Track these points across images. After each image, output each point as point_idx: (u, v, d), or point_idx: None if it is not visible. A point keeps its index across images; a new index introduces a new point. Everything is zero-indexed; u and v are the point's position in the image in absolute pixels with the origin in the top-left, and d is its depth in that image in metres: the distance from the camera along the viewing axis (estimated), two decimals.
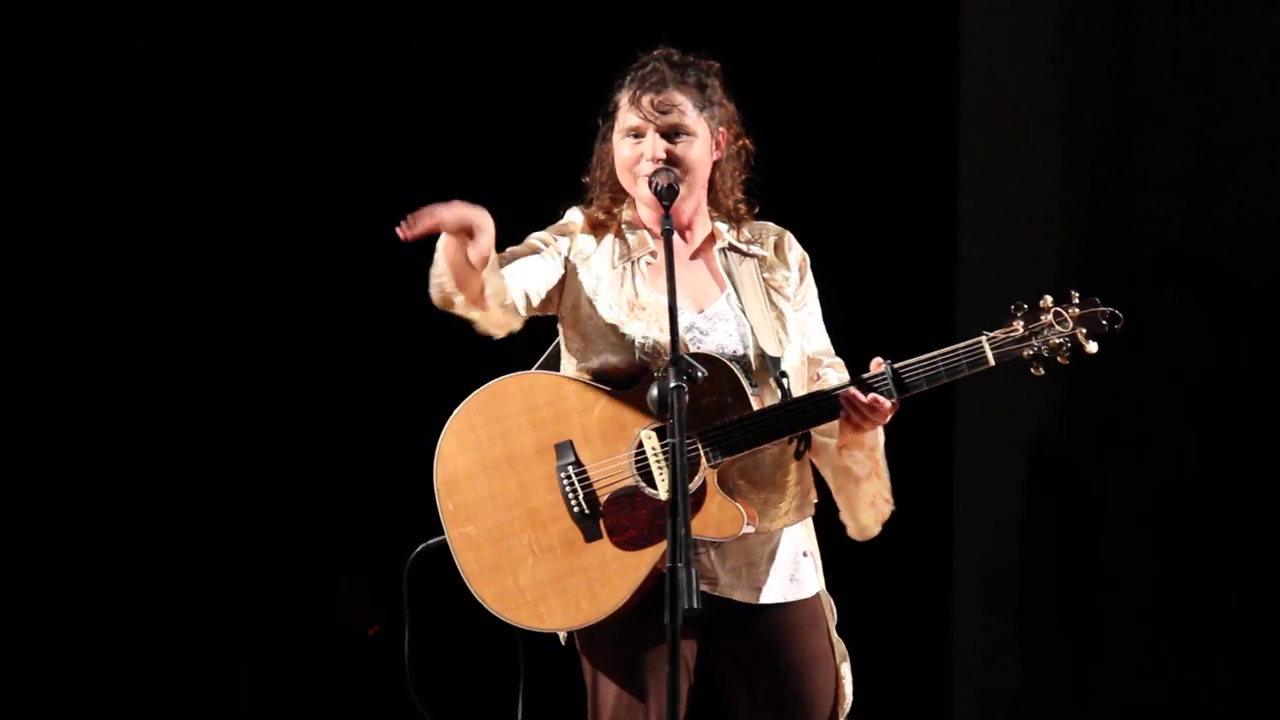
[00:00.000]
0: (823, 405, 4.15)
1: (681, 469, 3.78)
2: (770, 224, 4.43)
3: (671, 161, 4.24)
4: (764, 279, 4.36)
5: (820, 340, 4.40)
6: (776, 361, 4.25)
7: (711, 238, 4.37)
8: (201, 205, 6.73)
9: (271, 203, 6.76)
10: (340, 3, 6.76)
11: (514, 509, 4.22)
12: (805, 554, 4.33)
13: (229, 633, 6.79)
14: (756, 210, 4.42)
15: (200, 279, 6.74)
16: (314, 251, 6.75)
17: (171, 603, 6.73)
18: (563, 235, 4.32)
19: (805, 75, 6.63)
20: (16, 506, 6.68)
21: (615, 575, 4.15)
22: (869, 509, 4.34)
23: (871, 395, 4.13)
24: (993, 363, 4.12)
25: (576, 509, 4.20)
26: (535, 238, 4.31)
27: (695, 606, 3.71)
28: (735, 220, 4.38)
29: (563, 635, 4.37)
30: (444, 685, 5.82)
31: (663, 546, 4.12)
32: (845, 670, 4.36)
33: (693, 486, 4.13)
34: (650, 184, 4.22)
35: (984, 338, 4.13)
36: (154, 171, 6.70)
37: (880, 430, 4.28)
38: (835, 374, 4.35)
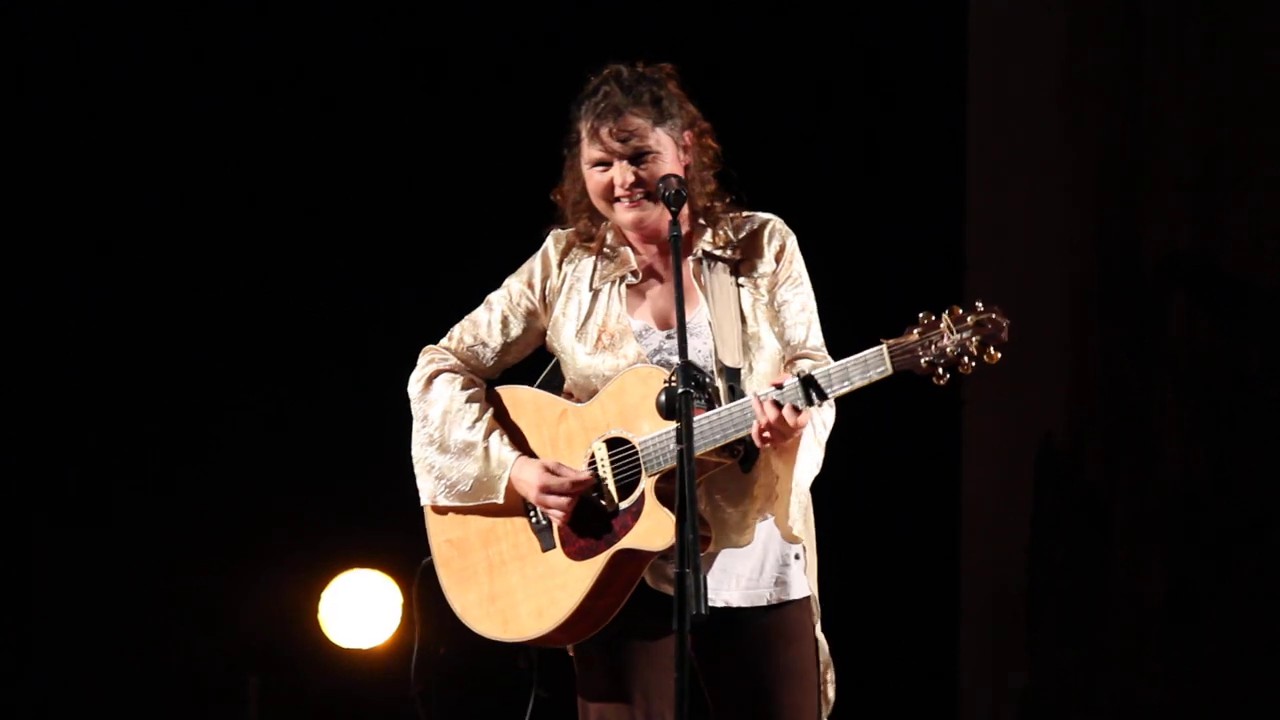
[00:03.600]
0: (738, 414, 4.10)
1: (690, 475, 3.77)
2: (757, 214, 4.40)
3: (639, 184, 4.23)
4: (738, 285, 4.34)
5: (798, 330, 4.34)
6: (735, 373, 4.23)
7: (688, 247, 4.34)
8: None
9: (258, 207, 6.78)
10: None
11: (480, 522, 4.32)
12: (797, 556, 4.31)
13: (236, 643, 6.81)
14: (729, 200, 4.39)
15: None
16: (298, 253, 6.76)
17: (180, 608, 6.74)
18: (531, 284, 4.38)
19: (815, 82, 6.64)
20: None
21: (568, 584, 4.19)
22: (780, 520, 4.29)
23: (786, 407, 4.05)
24: (891, 370, 4.02)
25: (535, 520, 4.28)
26: (504, 304, 4.38)
27: (702, 613, 3.69)
28: (711, 222, 4.36)
29: (570, 646, 4.38)
30: (451, 696, 5.82)
31: (607, 556, 4.16)
32: (830, 676, 4.33)
33: (634, 497, 4.17)
34: (660, 194, 4.21)
35: (884, 345, 4.04)
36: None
37: (804, 454, 4.21)
38: (808, 365, 4.29)
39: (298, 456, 6.72)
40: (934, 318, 4.04)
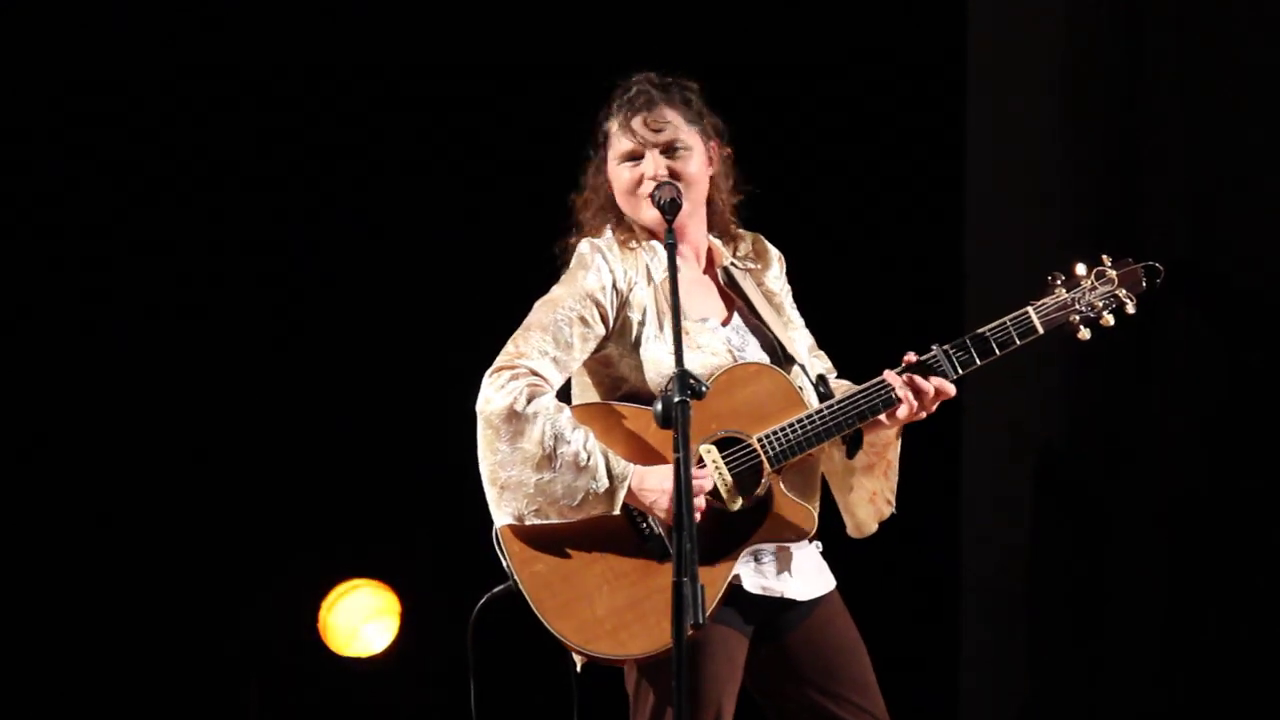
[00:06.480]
0: (878, 397, 4.19)
1: (686, 485, 3.76)
2: (742, 231, 4.45)
3: (674, 176, 4.25)
4: (764, 293, 4.39)
5: (807, 333, 4.45)
6: (802, 367, 4.30)
7: (713, 256, 4.39)
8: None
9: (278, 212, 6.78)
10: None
11: (582, 540, 4.16)
12: (818, 546, 4.36)
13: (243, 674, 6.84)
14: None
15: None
16: (303, 261, 6.76)
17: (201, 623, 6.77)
18: (604, 286, 4.23)
19: (812, 89, 6.64)
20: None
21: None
22: (867, 504, 4.38)
23: (935, 379, 4.18)
24: (1041, 331, 4.21)
25: (646, 530, 4.17)
26: (580, 310, 4.21)
27: (701, 623, 3.67)
28: (731, 237, 4.42)
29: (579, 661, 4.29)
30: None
31: (738, 557, 4.14)
32: None
33: (760, 493, 4.16)
34: (654, 199, 4.23)
35: (1030, 307, 4.22)
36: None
37: (896, 430, 4.32)
38: (820, 363, 4.41)
39: (301, 465, 6.72)
40: (1066, 276, 4.24)
